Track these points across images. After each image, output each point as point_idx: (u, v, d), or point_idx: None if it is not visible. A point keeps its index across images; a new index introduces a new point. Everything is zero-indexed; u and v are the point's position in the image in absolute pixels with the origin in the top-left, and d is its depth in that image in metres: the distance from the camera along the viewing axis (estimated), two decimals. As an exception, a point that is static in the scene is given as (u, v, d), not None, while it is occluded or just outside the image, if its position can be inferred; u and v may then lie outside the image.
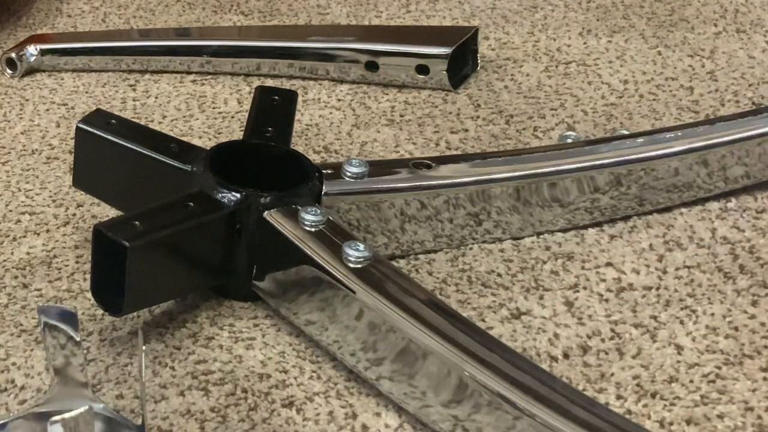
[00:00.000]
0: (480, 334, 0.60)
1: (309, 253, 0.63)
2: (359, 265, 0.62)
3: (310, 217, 0.65)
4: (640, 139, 0.78)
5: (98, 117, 0.73)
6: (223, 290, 0.69)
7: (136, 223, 0.63)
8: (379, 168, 0.72)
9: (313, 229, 0.65)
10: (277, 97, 0.79)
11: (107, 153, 0.72)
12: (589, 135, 0.88)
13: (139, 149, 0.71)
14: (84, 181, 0.74)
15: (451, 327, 0.59)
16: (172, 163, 0.69)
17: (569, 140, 0.82)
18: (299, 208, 0.65)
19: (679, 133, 0.79)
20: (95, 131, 0.72)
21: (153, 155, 0.70)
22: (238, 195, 0.66)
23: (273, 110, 0.78)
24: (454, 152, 0.86)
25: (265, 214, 0.66)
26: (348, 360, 0.63)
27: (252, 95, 0.82)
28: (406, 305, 0.60)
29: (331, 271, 0.62)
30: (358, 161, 0.70)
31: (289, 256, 0.65)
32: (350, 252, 0.62)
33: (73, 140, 0.73)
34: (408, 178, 0.71)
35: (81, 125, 0.72)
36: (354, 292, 0.61)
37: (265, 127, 0.75)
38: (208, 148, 0.72)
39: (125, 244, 0.61)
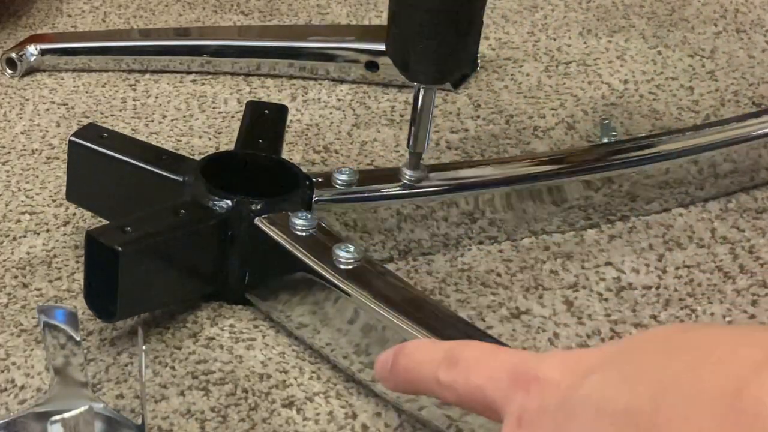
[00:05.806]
0: (476, 334, 0.60)
1: (299, 255, 0.64)
2: (349, 266, 0.62)
3: (300, 221, 0.65)
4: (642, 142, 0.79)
5: (90, 130, 0.73)
6: (216, 296, 0.69)
7: (128, 228, 0.63)
8: (368, 176, 0.72)
9: (303, 233, 0.65)
10: (267, 111, 0.79)
11: (100, 166, 0.72)
12: (590, 135, 0.88)
13: (131, 161, 0.71)
14: (77, 194, 0.74)
15: (444, 326, 0.59)
16: (164, 174, 0.70)
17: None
18: (290, 213, 0.66)
19: (679, 134, 0.79)
20: (88, 144, 0.72)
21: (145, 167, 0.70)
22: (230, 202, 0.66)
23: (263, 123, 0.78)
24: (454, 152, 0.86)
25: (256, 220, 0.66)
26: (341, 362, 0.63)
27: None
28: (397, 305, 0.60)
29: (321, 272, 0.62)
30: (348, 169, 0.71)
31: (280, 260, 0.65)
32: (340, 254, 0.62)
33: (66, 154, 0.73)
34: (397, 186, 0.72)
35: (73, 139, 0.72)
36: (345, 292, 0.61)
37: (256, 139, 0.75)
38: (201, 157, 0.72)
39: (117, 249, 0.61)
